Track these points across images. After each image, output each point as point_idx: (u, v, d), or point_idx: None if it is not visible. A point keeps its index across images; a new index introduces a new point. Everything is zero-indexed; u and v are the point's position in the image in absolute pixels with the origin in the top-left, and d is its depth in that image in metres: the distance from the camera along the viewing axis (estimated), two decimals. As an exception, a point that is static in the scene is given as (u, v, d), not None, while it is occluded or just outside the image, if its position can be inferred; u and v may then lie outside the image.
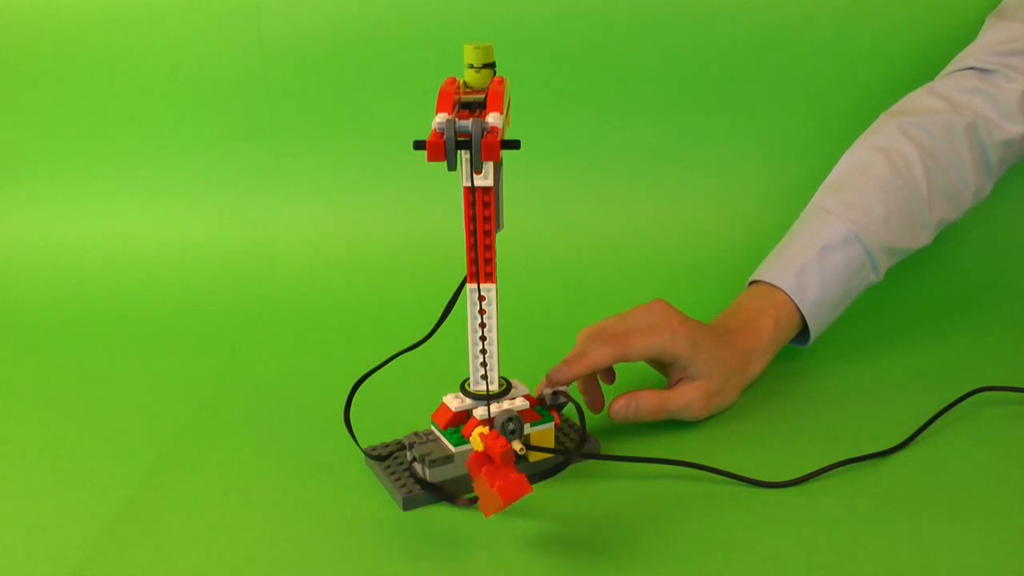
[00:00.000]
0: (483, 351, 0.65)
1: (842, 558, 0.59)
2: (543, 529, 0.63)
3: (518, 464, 0.68)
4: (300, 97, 1.08)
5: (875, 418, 0.77)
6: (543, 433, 0.69)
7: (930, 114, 0.88)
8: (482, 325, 0.64)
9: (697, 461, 0.68)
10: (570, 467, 0.70)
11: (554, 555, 0.60)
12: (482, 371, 0.65)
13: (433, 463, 0.66)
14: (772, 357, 0.81)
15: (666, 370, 0.77)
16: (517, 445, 0.63)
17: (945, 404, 0.76)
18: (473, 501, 0.65)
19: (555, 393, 0.71)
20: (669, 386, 0.77)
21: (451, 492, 0.66)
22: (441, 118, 0.55)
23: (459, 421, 0.67)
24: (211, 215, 1.10)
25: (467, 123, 0.55)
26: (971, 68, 0.91)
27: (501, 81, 0.59)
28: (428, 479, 0.66)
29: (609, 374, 0.77)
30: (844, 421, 0.77)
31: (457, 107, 0.58)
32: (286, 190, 1.10)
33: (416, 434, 0.70)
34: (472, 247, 0.61)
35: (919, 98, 0.91)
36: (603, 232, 1.09)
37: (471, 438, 0.63)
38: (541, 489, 0.67)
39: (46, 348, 0.95)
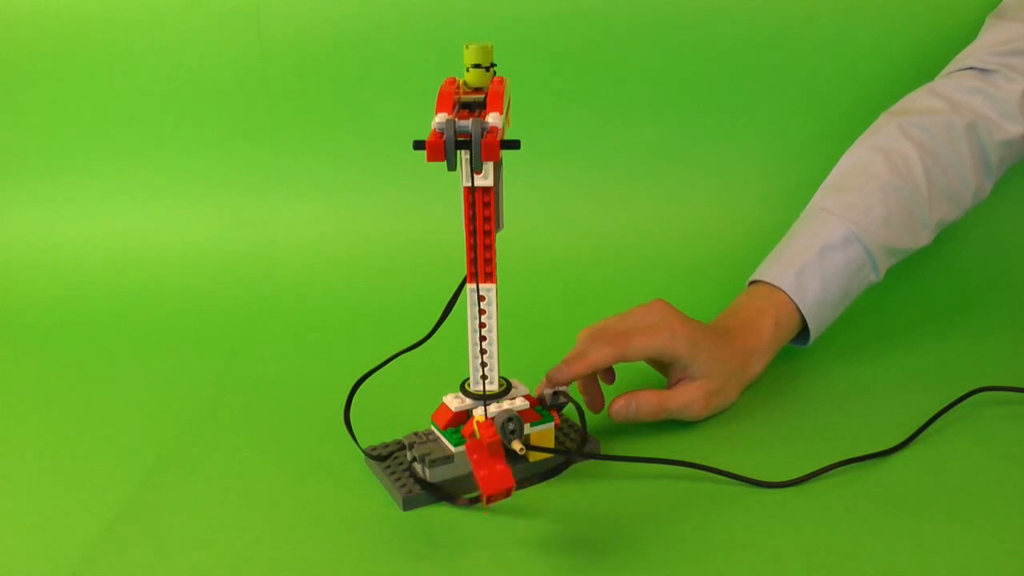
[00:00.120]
0: (483, 351, 0.65)
1: (842, 558, 0.59)
2: (543, 529, 0.63)
3: (519, 464, 0.68)
4: (300, 97, 1.08)
5: (875, 418, 0.77)
6: (543, 433, 0.68)
7: (930, 114, 0.88)
8: (482, 325, 0.64)
9: (697, 461, 0.68)
10: (570, 467, 0.70)
11: (554, 555, 0.60)
12: (482, 371, 0.65)
13: (433, 463, 0.66)
14: (772, 357, 0.81)
15: (666, 370, 0.77)
16: (517, 445, 0.63)
17: (945, 404, 0.76)
18: (473, 501, 0.65)
19: (555, 393, 0.71)
20: (669, 386, 0.77)
21: (451, 492, 0.66)
22: (441, 118, 0.55)
23: (459, 421, 0.67)
24: (211, 215, 1.10)
25: (467, 123, 0.55)
26: (971, 68, 0.91)
27: (501, 81, 0.59)
28: (428, 479, 0.66)
29: (609, 374, 0.77)
30: (844, 421, 0.77)
31: (457, 107, 0.58)
32: (286, 190, 1.10)
33: (416, 434, 0.70)
34: (472, 247, 0.61)
35: (919, 98, 0.91)
36: (603, 232, 1.09)
37: (472, 426, 0.63)
38: (541, 489, 0.67)
39: (46, 348, 0.95)
